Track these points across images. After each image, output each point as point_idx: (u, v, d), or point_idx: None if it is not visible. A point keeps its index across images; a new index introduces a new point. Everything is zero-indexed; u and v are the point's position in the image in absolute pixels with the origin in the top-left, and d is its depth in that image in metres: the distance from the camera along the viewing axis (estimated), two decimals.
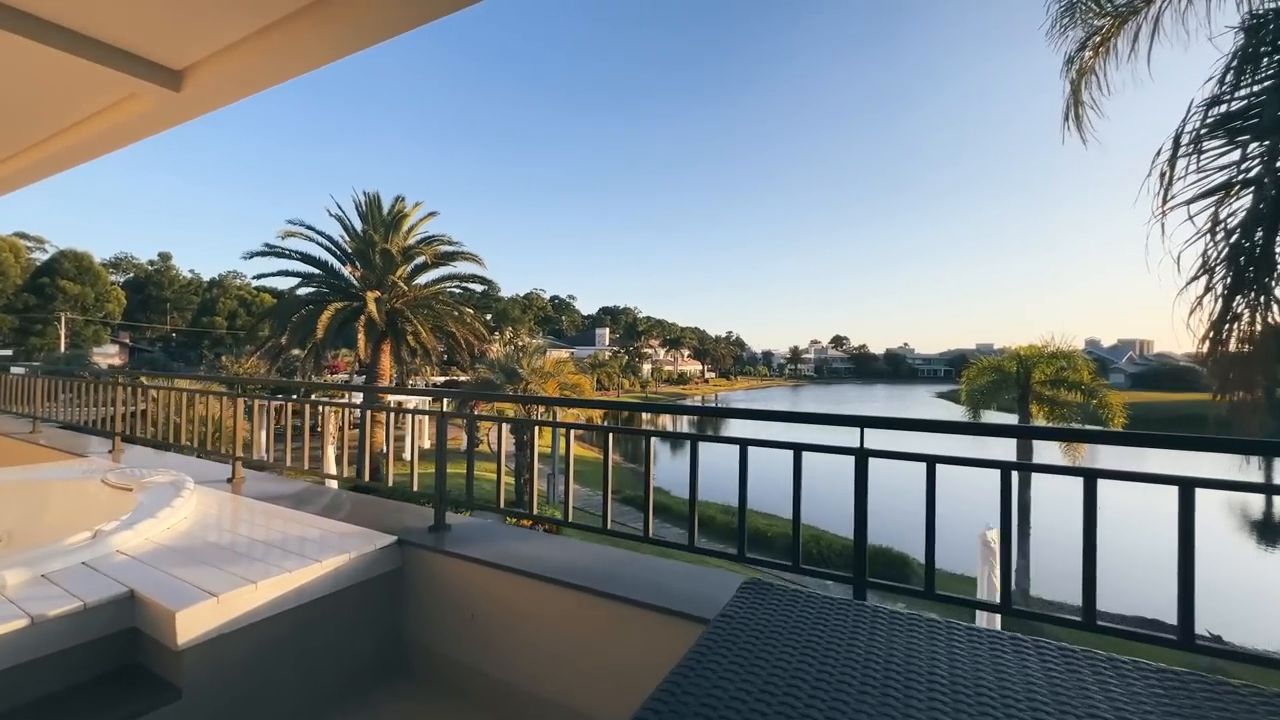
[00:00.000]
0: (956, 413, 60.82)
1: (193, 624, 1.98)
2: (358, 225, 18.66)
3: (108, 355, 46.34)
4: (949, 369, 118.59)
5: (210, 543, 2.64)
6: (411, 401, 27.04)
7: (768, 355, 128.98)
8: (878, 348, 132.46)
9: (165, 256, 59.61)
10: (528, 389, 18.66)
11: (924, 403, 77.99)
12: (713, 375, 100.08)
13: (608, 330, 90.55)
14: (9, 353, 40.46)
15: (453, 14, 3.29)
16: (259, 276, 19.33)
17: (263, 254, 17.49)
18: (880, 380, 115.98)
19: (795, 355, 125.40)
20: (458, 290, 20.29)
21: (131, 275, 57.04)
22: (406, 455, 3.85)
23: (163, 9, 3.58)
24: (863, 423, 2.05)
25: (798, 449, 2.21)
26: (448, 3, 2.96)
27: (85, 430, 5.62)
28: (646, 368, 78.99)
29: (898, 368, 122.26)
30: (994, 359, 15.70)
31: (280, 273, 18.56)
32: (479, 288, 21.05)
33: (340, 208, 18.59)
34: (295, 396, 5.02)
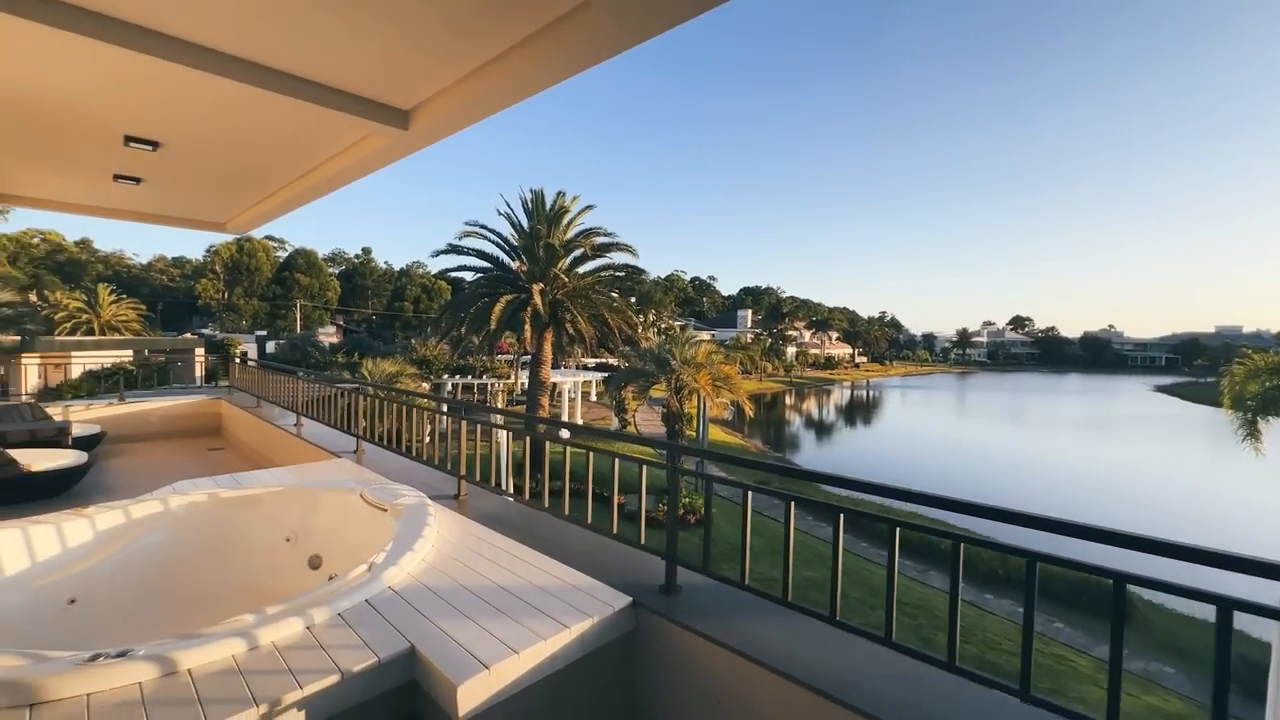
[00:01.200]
0: (1190, 415, 49.63)
1: (471, 696, 2.00)
2: (524, 221, 19.95)
3: (328, 335, 55.77)
4: (1173, 356, 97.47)
5: (458, 584, 2.74)
6: (566, 382, 28.60)
7: (929, 338, 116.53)
8: (1072, 330, 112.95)
9: (367, 251, 69.96)
10: (677, 380, 18.71)
11: (1137, 397, 65.03)
12: (864, 359, 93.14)
13: (750, 312, 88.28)
14: (264, 333, 50.60)
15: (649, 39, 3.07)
16: (443, 272, 21.73)
17: (445, 252, 19.57)
18: (1074, 368, 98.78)
19: (964, 338, 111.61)
20: (614, 276, 20.88)
21: (343, 267, 67.82)
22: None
23: (395, 59, 3.78)
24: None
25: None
26: (646, 29, 2.70)
27: (332, 426, 6.52)
28: (791, 350, 75.79)
29: (1098, 354, 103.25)
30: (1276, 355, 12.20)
31: (459, 268, 20.62)
32: (626, 274, 21.49)
33: (509, 206, 20.04)
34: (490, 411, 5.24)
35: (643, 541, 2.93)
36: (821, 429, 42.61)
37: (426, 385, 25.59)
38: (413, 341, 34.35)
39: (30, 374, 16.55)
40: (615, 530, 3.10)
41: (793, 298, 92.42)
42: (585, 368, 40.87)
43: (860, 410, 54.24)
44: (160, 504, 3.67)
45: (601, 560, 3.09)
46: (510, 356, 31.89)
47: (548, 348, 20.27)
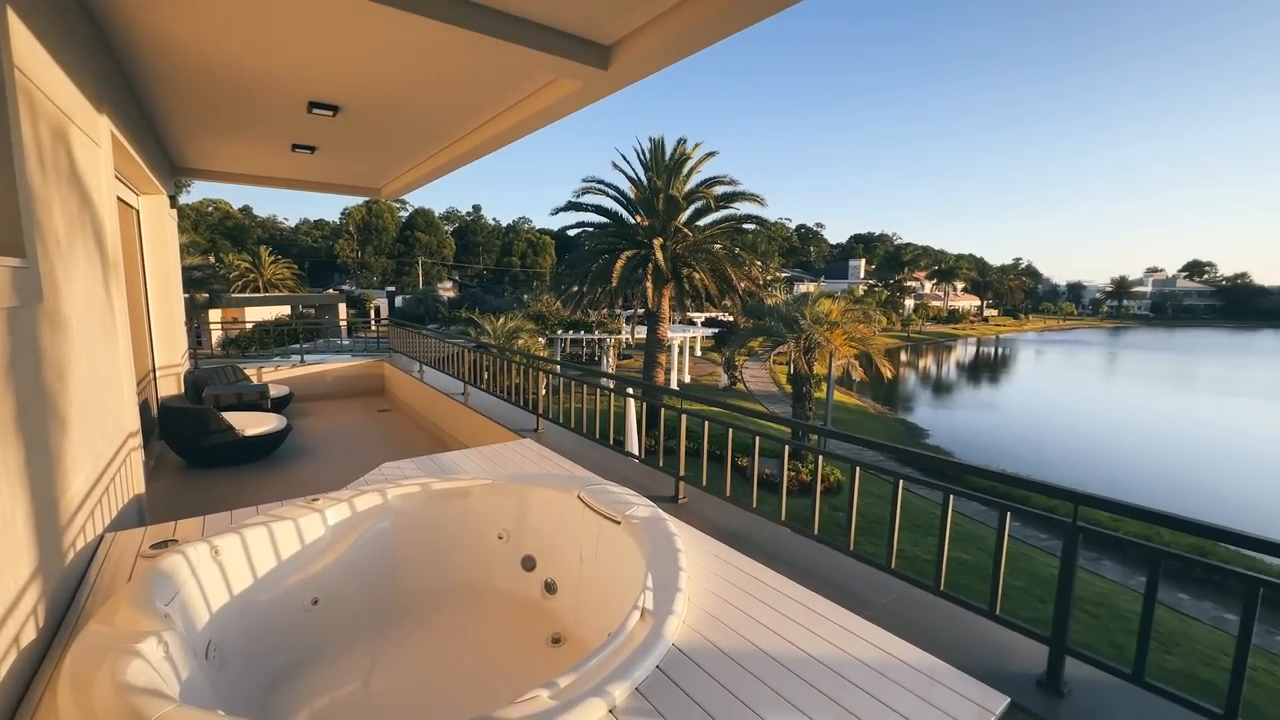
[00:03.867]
0: None
1: None
2: (640, 175, 19.11)
3: (445, 289, 59.34)
4: None
5: (752, 645, 2.19)
6: (676, 338, 28.16)
7: (1075, 288, 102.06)
8: (1271, 278, 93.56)
9: (477, 208, 72.73)
10: (808, 340, 17.43)
11: None
12: (993, 313, 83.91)
13: (862, 261, 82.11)
14: (392, 288, 54.81)
15: None
16: (564, 230, 21.59)
17: (565, 209, 19.31)
18: (1271, 324, 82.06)
19: (1122, 287, 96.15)
20: (737, 228, 19.65)
21: (456, 225, 71.14)
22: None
23: None
24: None
25: None
26: None
27: (502, 398, 6.36)
28: (909, 303, 69.76)
29: None
30: None
31: (579, 225, 20.34)
32: (756, 225, 20.09)
33: (625, 159, 19.21)
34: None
35: (1000, 612, 2.20)
36: (939, 388, 38.93)
37: (543, 340, 26.24)
38: (526, 298, 35.33)
39: (214, 330, 18.72)
40: (943, 584, 2.40)
41: (911, 245, 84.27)
42: (691, 323, 40.19)
43: (984, 369, 48.80)
44: (379, 495, 3.51)
45: (913, 619, 2.43)
46: (629, 312, 31.92)
47: (666, 304, 19.71)
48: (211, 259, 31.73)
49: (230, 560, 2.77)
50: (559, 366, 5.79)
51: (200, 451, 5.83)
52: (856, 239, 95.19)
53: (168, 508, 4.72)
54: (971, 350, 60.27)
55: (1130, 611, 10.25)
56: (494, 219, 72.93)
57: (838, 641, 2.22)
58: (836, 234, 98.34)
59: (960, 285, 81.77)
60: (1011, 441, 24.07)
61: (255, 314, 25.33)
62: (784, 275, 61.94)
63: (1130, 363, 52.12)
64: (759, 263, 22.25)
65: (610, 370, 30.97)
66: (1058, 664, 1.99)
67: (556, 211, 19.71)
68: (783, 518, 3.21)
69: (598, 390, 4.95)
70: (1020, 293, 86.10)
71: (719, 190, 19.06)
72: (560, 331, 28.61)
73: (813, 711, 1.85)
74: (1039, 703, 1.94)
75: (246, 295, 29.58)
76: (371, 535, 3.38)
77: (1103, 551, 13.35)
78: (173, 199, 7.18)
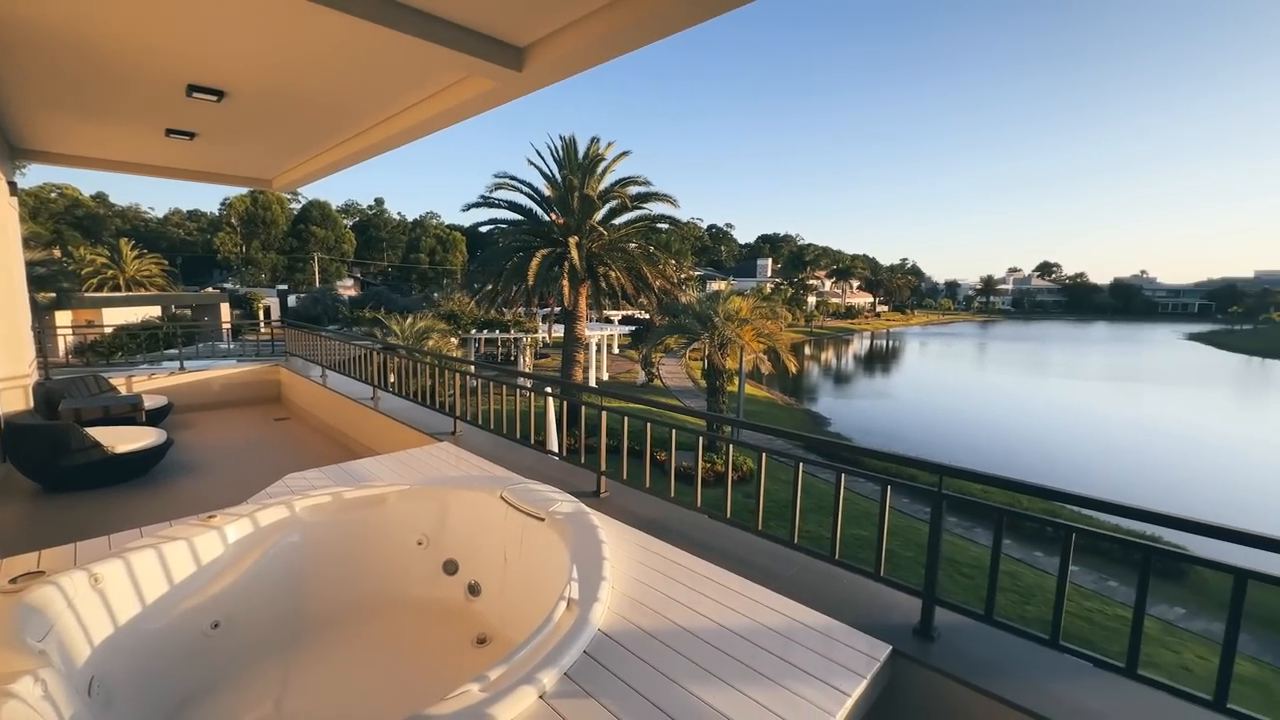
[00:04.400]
0: (1225, 363, 48.12)
1: None
2: (556, 172, 18.99)
3: (346, 287, 55.48)
4: (1207, 303, 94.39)
5: (674, 624, 2.36)
6: (593, 336, 28.18)
7: (952, 286, 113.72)
8: (1102, 277, 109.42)
9: (380, 201, 68.58)
10: (720, 336, 18.17)
11: (1167, 346, 63.33)
12: (885, 308, 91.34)
13: (769, 261, 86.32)
14: (284, 287, 50.36)
15: None
16: (475, 226, 20.94)
17: (477, 205, 18.75)
18: (1103, 316, 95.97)
19: (988, 285, 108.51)
20: (651, 227, 20.04)
21: (357, 219, 66.66)
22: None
23: None
24: None
25: None
26: None
27: (415, 401, 6.15)
28: (812, 300, 74.32)
29: (1129, 301, 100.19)
30: None
31: (491, 221, 19.84)
32: (670, 225, 20.56)
33: (540, 156, 19.00)
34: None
35: (885, 574, 2.51)
36: (839, 379, 42.13)
37: (456, 341, 25.32)
38: (436, 297, 33.91)
39: (62, 335, 16.39)
40: (838, 554, 2.69)
41: (813, 245, 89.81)
42: (608, 321, 40.41)
43: (878, 361, 53.39)
44: (285, 508, 3.32)
45: (812, 586, 2.70)
46: (544, 311, 31.46)
47: (583, 302, 19.75)
48: (57, 252, 27.60)
49: (114, 588, 2.54)
50: (474, 367, 5.70)
51: (60, 474, 5.15)
52: (764, 239, 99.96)
53: (25, 538, 4.17)
54: (867, 343, 65.28)
55: (1001, 570, 11.66)
56: (399, 213, 69.09)
57: (749, 613, 2.44)
58: (745, 234, 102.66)
59: (856, 283, 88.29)
60: (904, 425, 26.49)
61: (116, 316, 22.35)
62: (697, 274, 63.67)
63: (997, 352, 59.04)
64: (673, 262, 22.80)
65: (527, 369, 30.46)
66: (929, 613, 2.32)
67: (469, 207, 19.12)
68: (698, 504, 3.41)
69: (517, 390, 4.94)
70: (907, 290, 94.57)
71: (633, 190, 19.34)
72: (474, 331, 27.71)
73: (728, 678, 2.04)
74: (915, 647, 2.26)
75: (104, 295, 26.02)
76: (278, 550, 3.20)
77: (978, 520, 15.09)
78: (12, 185, 6.26)
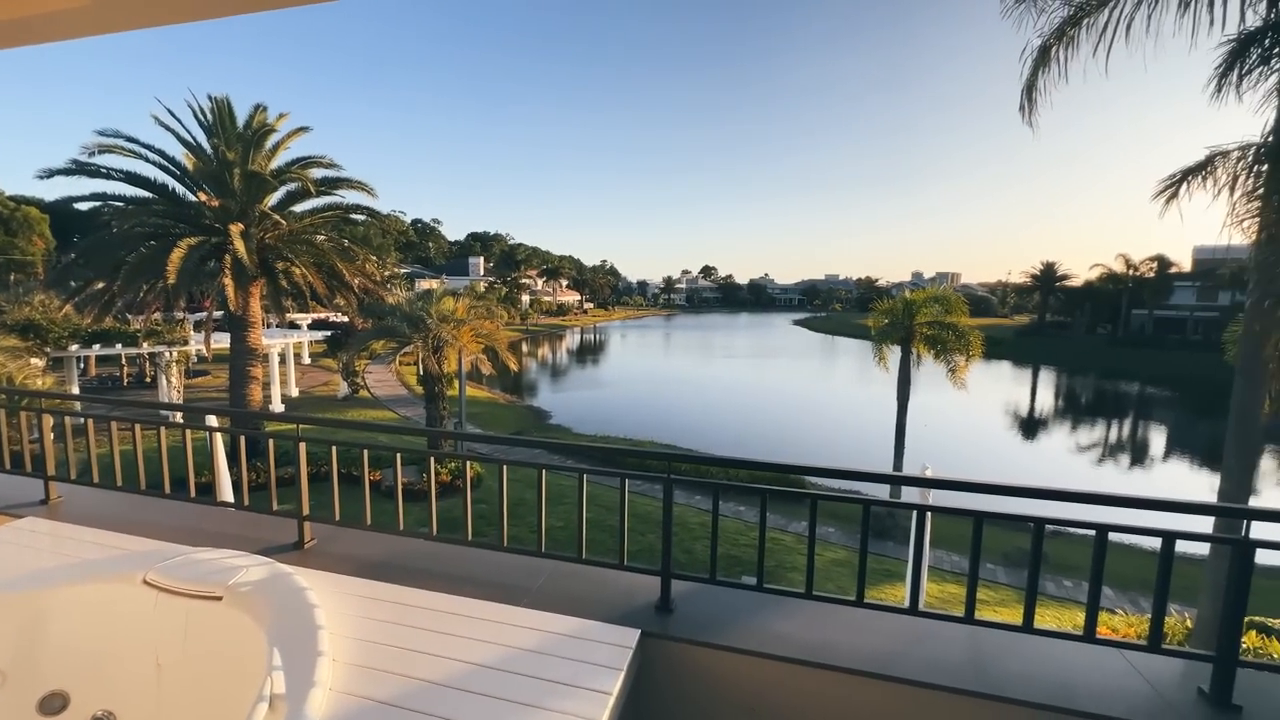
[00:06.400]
0: (815, 341, 68.03)
1: None
2: (204, 141, 14.89)
3: None
4: (802, 298, 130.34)
5: (421, 680, 2.06)
6: (275, 345, 23.63)
7: (643, 285, 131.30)
8: (742, 277, 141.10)
9: None
10: (435, 339, 17.08)
11: (783, 330, 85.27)
12: (590, 305, 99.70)
13: (481, 259, 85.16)
14: None
15: None
16: (68, 200, 14.73)
17: (69, 171, 13.28)
18: (745, 309, 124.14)
19: (669, 285, 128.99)
20: (345, 218, 17.43)
21: None
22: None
23: None
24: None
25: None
26: None
27: None
28: (525, 298, 76.22)
29: (759, 296, 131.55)
30: (889, 303, 17.49)
31: (94, 195, 14.41)
32: (367, 216, 18.16)
33: (175, 115, 14.58)
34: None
35: (629, 562, 2.66)
36: (556, 373, 44.99)
37: (41, 362, 17.72)
38: (0, 299, 23.36)
39: None
40: (583, 554, 2.73)
41: (523, 245, 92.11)
42: (296, 326, 33.98)
43: (589, 353, 58.99)
44: None
45: (563, 591, 2.71)
46: (198, 316, 24.53)
47: (256, 305, 16.12)
48: None
49: None
50: (78, 402, 3.99)
51: None
52: (474, 237, 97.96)
53: None
54: (578, 338, 70.40)
55: (740, 536, 13.53)
56: None
57: (500, 638, 2.30)
58: (455, 231, 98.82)
59: (565, 282, 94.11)
60: (616, 410, 29.48)
61: None
62: (404, 271, 58.63)
63: (678, 339, 70.95)
64: (374, 258, 20.48)
65: (176, 395, 23.33)
66: (667, 588, 2.58)
67: (52, 174, 13.38)
68: (433, 532, 3.09)
69: (159, 426, 3.68)
70: (608, 289, 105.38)
71: (318, 173, 16.54)
72: (76, 346, 19.86)
73: (481, 718, 1.88)
74: (658, 623, 2.48)
75: None
76: None
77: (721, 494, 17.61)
78: None
